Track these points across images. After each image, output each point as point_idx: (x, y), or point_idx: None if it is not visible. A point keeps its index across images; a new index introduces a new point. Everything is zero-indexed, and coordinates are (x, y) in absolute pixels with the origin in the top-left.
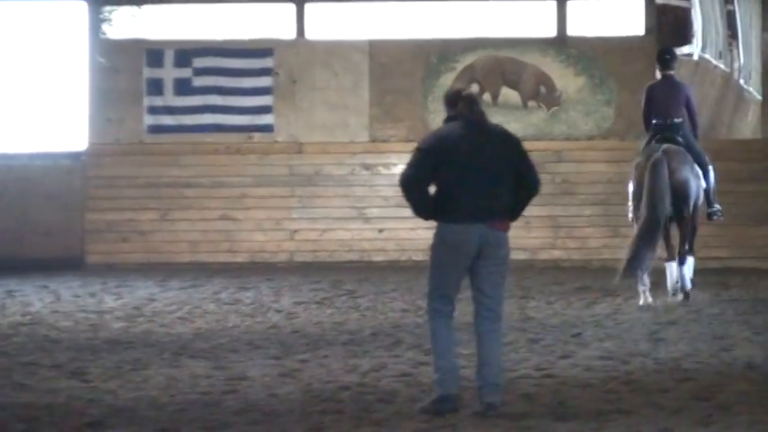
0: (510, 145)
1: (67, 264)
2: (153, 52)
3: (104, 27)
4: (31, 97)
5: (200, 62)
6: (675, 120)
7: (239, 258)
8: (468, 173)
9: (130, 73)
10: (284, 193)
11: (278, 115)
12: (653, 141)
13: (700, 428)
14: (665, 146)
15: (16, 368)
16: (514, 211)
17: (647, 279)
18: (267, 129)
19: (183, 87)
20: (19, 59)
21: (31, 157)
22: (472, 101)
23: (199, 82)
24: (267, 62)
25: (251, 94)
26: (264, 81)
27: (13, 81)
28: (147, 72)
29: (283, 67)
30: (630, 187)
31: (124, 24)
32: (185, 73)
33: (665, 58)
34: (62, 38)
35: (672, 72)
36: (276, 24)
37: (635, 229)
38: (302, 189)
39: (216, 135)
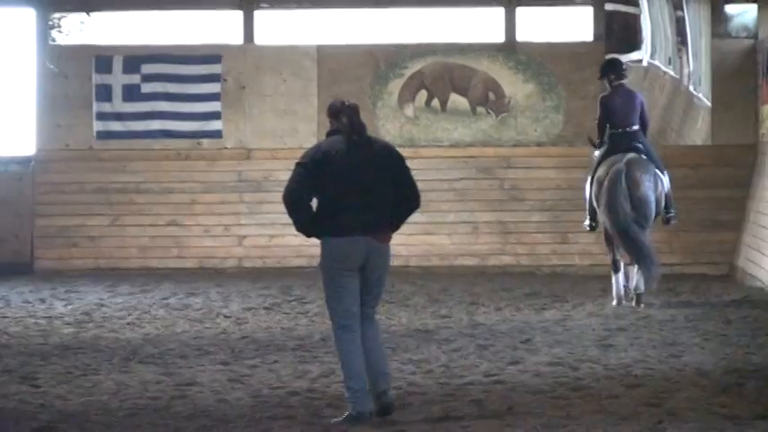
0: (391, 159)
1: (17, 269)
2: (102, 58)
3: (53, 33)
4: None
5: (148, 68)
6: (633, 128)
7: (188, 264)
8: (350, 186)
9: (79, 79)
10: (233, 198)
11: (227, 121)
12: (612, 151)
13: None
14: (629, 156)
15: None
16: (394, 224)
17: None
18: (216, 135)
19: (131, 93)
20: None
21: None
22: (353, 114)
23: (147, 88)
24: (215, 68)
25: (199, 101)
26: (213, 87)
27: None
28: (96, 78)
29: (232, 74)
30: (588, 194)
31: (73, 30)
32: (134, 79)
33: (619, 68)
34: (10, 44)
35: (624, 81)
36: (224, 30)
37: (610, 242)
38: (251, 195)
39: (165, 141)
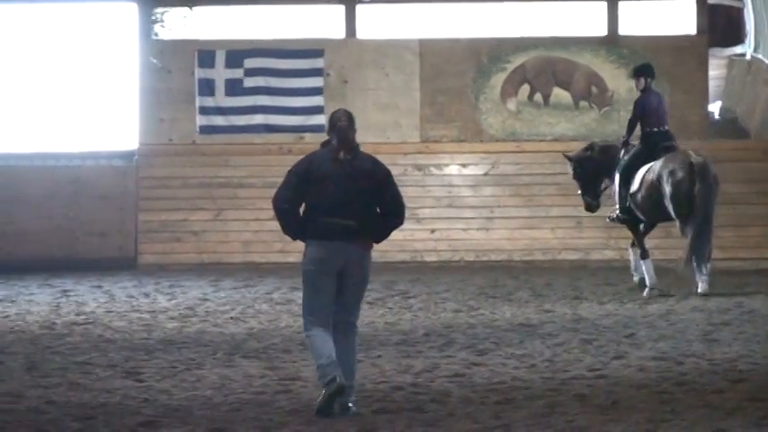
0: (376, 175)
1: (121, 264)
2: (204, 53)
3: (156, 28)
4: (84, 98)
5: (251, 63)
6: (667, 127)
7: (291, 258)
8: (333, 197)
9: (182, 73)
10: None
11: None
12: (652, 149)
13: (754, 429)
14: (696, 158)
15: (71, 367)
16: (378, 235)
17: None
18: (318, 129)
19: (234, 88)
20: (71, 61)
21: (85, 157)
22: (343, 133)
23: (250, 82)
24: (318, 62)
25: (302, 95)
26: (315, 81)
27: (66, 83)
28: (199, 73)
29: (334, 68)
30: (620, 188)
31: (176, 25)
32: (237, 74)
33: (653, 70)
34: (114, 39)
35: (652, 83)
36: (327, 25)
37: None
38: None
39: (267, 136)
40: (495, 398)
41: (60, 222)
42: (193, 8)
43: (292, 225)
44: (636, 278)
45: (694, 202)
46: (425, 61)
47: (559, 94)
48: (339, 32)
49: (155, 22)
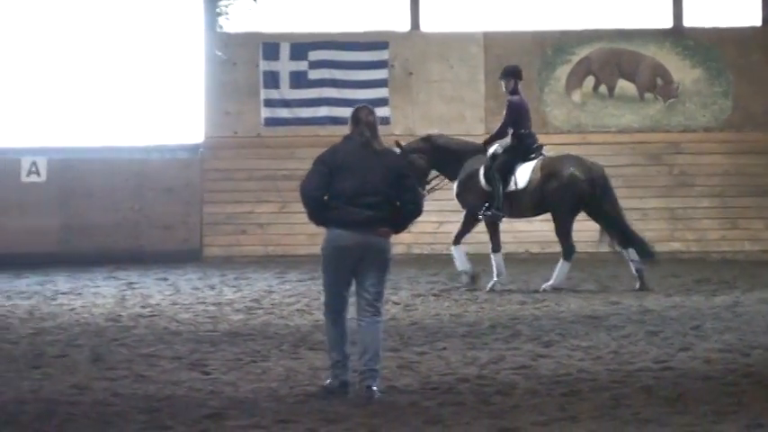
0: (396, 166)
1: (186, 256)
2: (269, 45)
3: (221, 21)
4: (150, 91)
5: (315, 55)
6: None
7: None
8: (356, 185)
9: (247, 66)
10: None
11: (394, 107)
12: (525, 149)
13: None
14: (591, 160)
15: (137, 360)
16: (397, 225)
17: None
18: (383, 121)
19: (299, 80)
20: (137, 54)
21: (150, 150)
22: (366, 127)
23: (315, 75)
24: (383, 54)
25: (367, 87)
26: (380, 73)
27: (132, 75)
28: (264, 65)
29: (398, 60)
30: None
31: (240, 18)
32: (301, 66)
33: (521, 73)
34: (180, 32)
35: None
36: (391, 17)
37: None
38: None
39: (332, 128)
40: (561, 390)
41: (126, 215)
42: (258, 0)
43: (318, 212)
44: (465, 272)
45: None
46: (490, 53)
47: (624, 86)
48: (404, 25)
49: (220, 14)
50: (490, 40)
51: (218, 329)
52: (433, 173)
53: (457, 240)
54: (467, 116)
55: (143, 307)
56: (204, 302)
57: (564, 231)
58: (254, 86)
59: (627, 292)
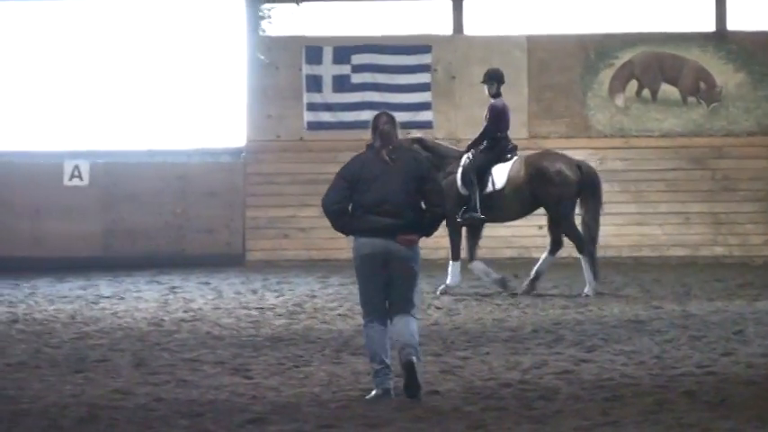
0: (418, 171)
1: (229, 260)
2: (312, 49)
3: (263, 24)
4: (193, 95)
5: (358, 59)
6: None
7: None
8: (377, 194)
9: (290, 70)
10: None
11: (437, 112)
12: (502, 152)
13: None
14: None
15: (179, 364)
16: (424, 230)
17: None
18: (426, 125)
19: (341, 84)
20: (179, 57)
21: (192, 154)
22: (386, 133)
23: (357, 79)
24: (425, 58)
25: (410, 91)
26: (423, 77)
27: (174, 79)
28: (307, 69)
29: (441, 64)
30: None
31: (283, 21)
32: (344, 70)
33: (503, 77)
34: (222, 35)
35: None
36: (434, 21)
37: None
38: None
39: None
40: (604, 395)
41: (168, 219)
42: (300, 4)
43: (342, 223)
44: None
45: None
46: (533, 57)
47: (667, 90)
48: (446, 28)
49: (262, 18)
50: (533, 44)
51: (260, 334)
52: None
53: (471, 257)
54: (510, 120)
55: (185, 311)
56: (247, 307)
57: (568, 225)
58: (297, 90)
59: (669, 296)
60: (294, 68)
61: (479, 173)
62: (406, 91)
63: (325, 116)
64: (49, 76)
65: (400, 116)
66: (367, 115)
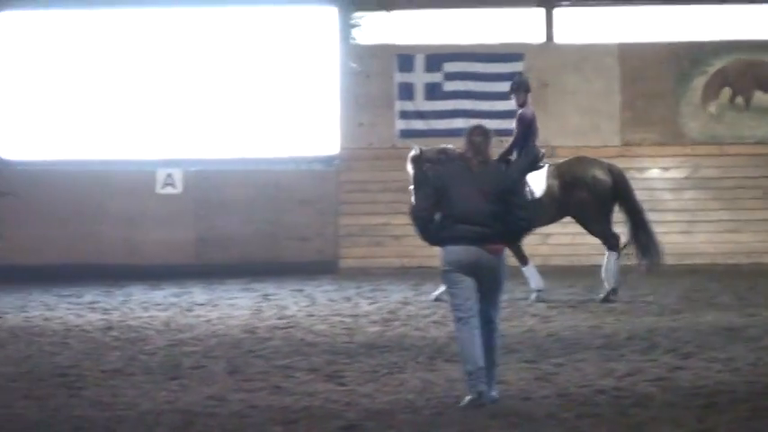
0: (504, 182)
1: (322, 267)
2: (404, 57)
3: (354, 32)
4: (284, 103)
5: (450, 66)
6: None
7: None
8: (465, 204)
9: (381, 77)
10: None
11: None
12: (536, 161)
13: None
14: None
15: (273, 371)
16: (510, 239)
17: None
18: None
19: (434, 92)
20: (272, 66)
21: (285, 162)
22: (478, 145)
23: (450, 86)
24: (517, 66)
25: (502, 99)
26: None
27: (266, 87)
28: (398, 76)
29: (533, 72)
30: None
31: (374, 29)
32: (436, 77)
33: (530, 85)
34: (314, 44)
35: None
36: (525, 28)
37: None
38: None
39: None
40: (699, 402)
41: (261, 227)
42: (391, 12)
43: (428, 232)
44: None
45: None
46: (625, 65)
47: (761, 98)
48: (538, 36)
49: (353, 26)
50: (625, 52)
51: (354, 341)
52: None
53: (524, 261)
54: (602, 127)
55: (279, 318)
56: (340, 314)
57: (598, 229)
58: (389, 98)
59: (764, 303)
60: (385, 76)
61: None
62: (497, 99)
63: (418, 124)
64: (144, 85)
65: (492, 124)
66: (459, 123)
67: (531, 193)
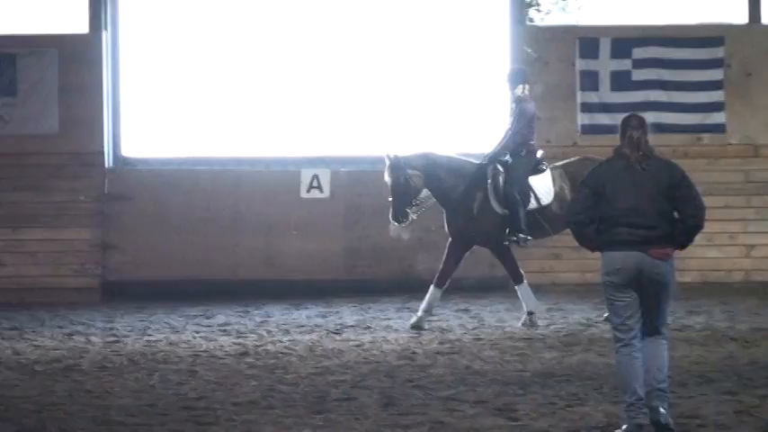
0: (671, 178)
1: (490, 284)
2: (587, 41)
3: (531, 13)
4: (449, 93)
5: (640, 52)
6: None
7: (688, 278)
8: (625, 204)
9: (561, 65)
10: (739, 203)
11: (730, 113)
12: (536, 160)
13: None
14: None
15: (434, 404)
16: (680, 241)
17: None
18: (718, 129)
19: (621, 81)
20: (435, 51)
21: None
22: (634, 139)
23: (639, 75)
24: (717, 52)
25: (700, 89)
26: (715, 74)
27: (428, 75)
28: (581, 64)
29: (736, 58)
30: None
31: (553, 10)
32: (624, 65)
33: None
34: (483, 26)
35: None
36: (726, 8)
37: None
38: (760, 198)
39: (658, 136)
40: None
41: (422, 236)
42: None
43: (587, 236)
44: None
45: None
46: None
47: None
48: (741, 17)
49: (530, 5)
50: None
51: (527, 369)
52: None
53: (518, 278)
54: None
55: (441, 343)
56: (512, 337)
57: None
58: (569, 88)
59: None
60: (566, 63)
61: (522, 189)
62: (695, 89)
63: (603, 118)
64: (286, 71)
65: (688, 118)
66: (651, 118)
67: (538, 199)
